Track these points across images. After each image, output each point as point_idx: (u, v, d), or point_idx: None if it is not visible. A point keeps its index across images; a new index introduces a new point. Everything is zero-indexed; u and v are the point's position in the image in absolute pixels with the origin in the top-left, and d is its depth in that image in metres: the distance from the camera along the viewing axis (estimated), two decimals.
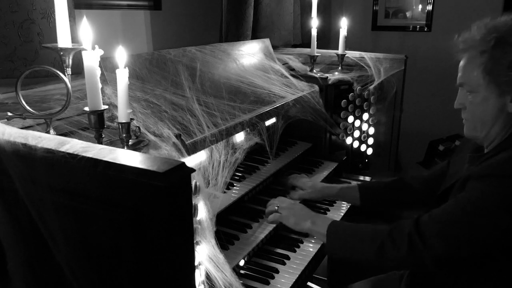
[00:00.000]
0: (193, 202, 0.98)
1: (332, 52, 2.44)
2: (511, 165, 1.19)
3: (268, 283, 1.37)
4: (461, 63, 1.34)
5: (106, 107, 1.04)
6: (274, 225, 1.58)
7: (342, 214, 1.84)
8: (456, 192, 1.29)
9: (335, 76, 2.20)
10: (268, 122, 1.90)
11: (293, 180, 1.85)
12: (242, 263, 1.42)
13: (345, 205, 1.89)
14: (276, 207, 1.58)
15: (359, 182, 1.85)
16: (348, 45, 2.31)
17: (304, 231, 1.52)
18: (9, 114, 1.07)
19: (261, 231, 1.56)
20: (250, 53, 2.01)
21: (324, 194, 1.78)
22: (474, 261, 1.26)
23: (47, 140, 0.85)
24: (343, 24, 2.26)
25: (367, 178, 2.23)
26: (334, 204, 1.89)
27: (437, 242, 1.20)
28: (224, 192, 1.55)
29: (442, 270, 1.31)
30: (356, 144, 2.37)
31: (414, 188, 1.70)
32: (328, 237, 1.41)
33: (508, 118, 1.27)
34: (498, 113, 1.27)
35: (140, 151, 1.03)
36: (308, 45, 2.38)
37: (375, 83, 2.23)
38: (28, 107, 1.08)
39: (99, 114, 1.01)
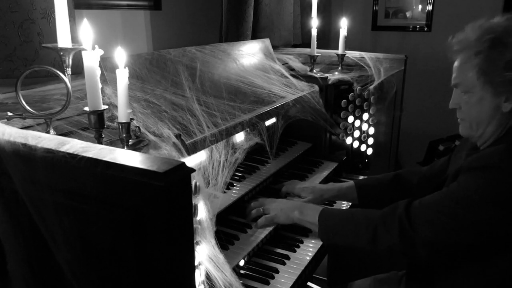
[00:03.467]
0: (193, 202, 0.98)
1: (332, 52, 2.43)
2: (499, 157, 1.20)
3: (268, 283, 1.37)
4: (456, 63, 1.36)
5: (106, 107, 1.04)
6: (274, 226, 1.58)
7: None
8: (449, 184, 1.32)
9: (335, 76, 2.20)
10: (268, 122, 1.90)
11: (288, 189, 1.82)
12: (242, 263, 1.42)
13: (345, 204, 1.89)
14: (262, 209, 1.59)
15: (355, 180, 1.85)
16: (348, 45, 2.31)
17: (294, 222, 1.55)
18: (9, 114, 1.07)
19: (261, 231, 1.55)
20: (250, 53, 2.00)
21: (324, 199, 1.78)
22: (467, 259, 1.29)
23: (47, 140, 0.85)
24: (343, 24, 2.26)
25: None
26: (334, 205, 1.89)
27: (426, 228, 1.24)
28: (224, 192, 1.55)
29: (433, 258, 1.34)
30: (356, 144, 2.36)
31: (412, 184, 1.71)
32: (320, 226, 1.45)
33: (503, 118, 1.28)
34: (493, 113, 1.28)
35: (140, 151, 1.03)
36: (308, 45, 2.38)
37: (375, 83, 2.23)
38: (28, 107, 1.08)
39: (99, 114, 1.01)
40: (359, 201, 1.76)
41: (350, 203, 1.85)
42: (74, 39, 1.10)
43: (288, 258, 1.50)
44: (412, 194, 1.69)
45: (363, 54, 2.37)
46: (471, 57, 1.29)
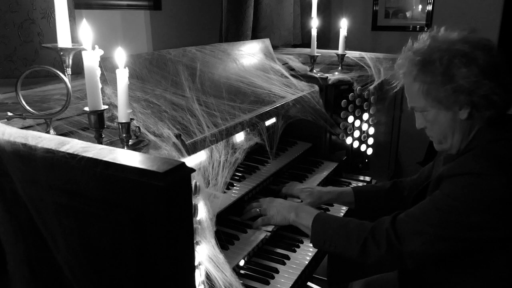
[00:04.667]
0: (193, 202, 0.98)
1: (332, 52, 2.43)
2: (476, 162, 1.22)
3: (268, 283, 1.37)
4: (405, 88, 1.40)
5: (106, 107, 1.04)
6: (273, 226, 1.58)
7: (342, 215, 1.84)
8: (431, 192, 1.33)
9: (335, 76, 2.20)
10: (268, 122, 1.90)
11: (287, 190, 1.83)
12: (242, 263, 1.42)
13: (344, 209, 1.88)
14: (258, 210, 1.60)
15: (354, 186, 1.86)
16: (348, 45, 2.31)
17: (290, 224, 1.55)
18: (9, 114, 1.07)
19: (261, 231, 1.56)
20: (250, 53, 2.00)
21: (322, 201, 1.78)
22: (458, 258, 1.30)
23: (47, 140, 0.85)
24: (343, 24, 2.26)
25: (367, 178, 2.22)
26: (334, 205, 1.89)
27: (412, 239, 1.25)
28: (224, 192, 1.55)
29: (421, 267, 1.37)
30: (356, 144, 2.36)
31: (404, 193, 1.72)
32: (313, 231, 1.45)
33: (464, 125, 1.31)
34: (453, 124, 1.31)
35: (140, 151, 1.03)
36: (308, 45, 2.38)
37: (375, 83, 2.23)
38: (28, 107, 1.08)
39: (99, 114, 1.01)
40: (356, 206, 1.76)
41: (347, 207, 1.85)
42: (74, 39, 1.10)
43: (288, 258, 1.50)
44: (403, 203, 1.71)
45: (363, 54, 2.37)
46: (412, 82, 1.34)
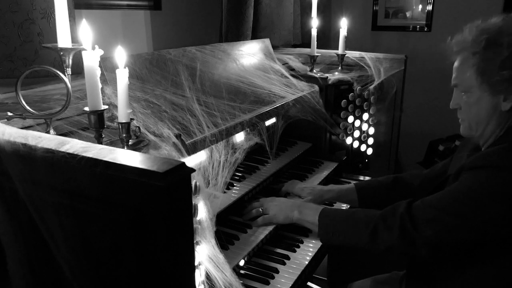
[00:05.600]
0: (193, 202, 0.98)
1: (332, 52, 2.44)
2: (501, 156, 1.21)
3: (268, 283, 1.37)
4: (455, 64, 1.38)
5: (106, 107, 1.04)
6: (274, 225, 1.58)
7: None
8: (451, 183, 1.32)
9: (335, 76, 2.20)
10: (268, 122, 1.90)
11: (288, 188, 1.83)
12: (242, 263, 1.42)
13: (344, 206, 1.89)
14: (261, 209, 1.60)
15: (355, 182, 1.85)
16: (348, 45, 2.31)
17: (293, 222, 1.55)
18: (9, 114, 1.07)
19: (261, 231, 1.55)
20: (250, 53, 2.00)
21: (323, 199, 1.78)
22: (469, 256, 1.29)
23: (47, 140, 0.85)
24: (343, 24, 2.26)
25: (367, 178, 2.22)
26: (334, 204, 1.89)
27: (428, 227, 1.25)
28: (224, 192, 1.55)
29: (434, 256, 1.36)
30: (356, 144, 2.36)
31: (413, 186, 1.71)
32: (320, 225, 1.45)
33: (502, 117, 1.30)
34: (492, 112, 1.30)
35: (140, 151, 1.03)
36: (308, 45, 2.38)
37: (375, 83, 2.23)
38: (28, 107, 1.08)
39: (99, 114, 1.01)
40: (359, 203, 1.76)
41: (349, 205, 1.85)
42: (74, 39, 1.10)
43: (288, 258, 1.50)
44: (412, 196, 1.70)
45: (363, 54, 2.37)
46: (469, 58, 1.31)
